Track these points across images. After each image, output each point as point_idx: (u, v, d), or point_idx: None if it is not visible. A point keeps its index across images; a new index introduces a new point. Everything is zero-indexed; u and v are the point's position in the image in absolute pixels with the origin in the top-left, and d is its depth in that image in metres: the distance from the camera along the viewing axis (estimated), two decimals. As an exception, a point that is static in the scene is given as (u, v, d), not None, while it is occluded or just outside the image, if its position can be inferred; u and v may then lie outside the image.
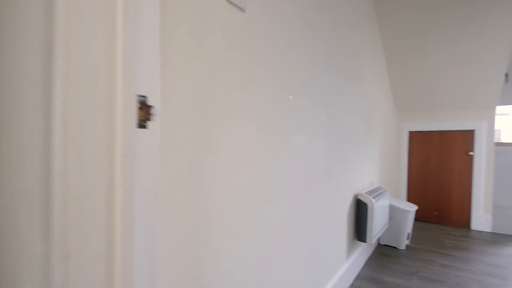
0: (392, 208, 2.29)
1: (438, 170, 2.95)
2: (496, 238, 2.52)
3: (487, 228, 2.72)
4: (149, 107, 0.44)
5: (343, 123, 1.60)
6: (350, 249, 1.78)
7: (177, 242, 0.61)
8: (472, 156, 2.78)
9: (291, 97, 1.05)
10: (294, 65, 1.07)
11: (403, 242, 2.27)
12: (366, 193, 1.84)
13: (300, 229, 1.16)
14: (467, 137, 2.80)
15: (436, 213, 2.99)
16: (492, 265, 1.96)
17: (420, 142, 3.06)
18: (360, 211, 1.80)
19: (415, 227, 2.81)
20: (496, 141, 2.83)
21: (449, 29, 2.28)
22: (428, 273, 1.84)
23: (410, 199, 3.13)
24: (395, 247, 2.30)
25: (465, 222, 2.84)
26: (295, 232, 1.12)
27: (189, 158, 0.63)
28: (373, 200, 1.76)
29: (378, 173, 2.48)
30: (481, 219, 2.74)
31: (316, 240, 1.29)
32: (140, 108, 0.43)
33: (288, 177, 1.05)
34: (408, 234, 2.33)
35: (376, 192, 1.97)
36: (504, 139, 4.45)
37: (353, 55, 1.75)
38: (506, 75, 2.49)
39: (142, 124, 0.43)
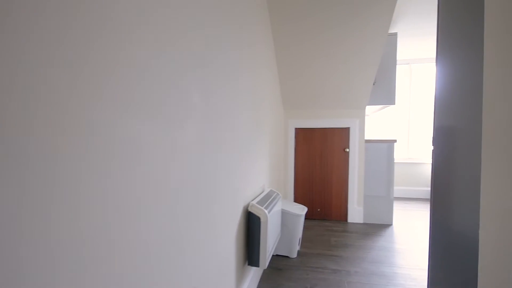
0: (284, 214, 2.03)
1: (321, 166, 2.98)
2: (368, 229, 2.69)
3: (360, 220, 2.91)
4: None
5: (228, 113, 1.14)
6: (240, 278, 1.34)
7: None
8: (348, 152, 2.92)
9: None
10: None
11: (295, 250, 2.04)
12: (258, 202, 1.46)
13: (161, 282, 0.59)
14: (344, 134, 2.93)
15: (319, 209, 3.02)
16: (374, 262, 1.96)
17: (305, 139, 3.02)
18: (251, 227, 1.39)
19: (303, 227, 2.71)
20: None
21: (328, 36, 2.23)
22: (323, 285, 1.62)
23: (297, 198, 3.06)
24: (287, 257, 2.05)
25: (343, 216, 2.96)
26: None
27: None
28: (266, 211, 1.38)
29: (269, 175, 2.19)
30: (355, 211, 2.91)
31: (185, 303, 0.76)
32: None
33: (123, 193, 0.47)
34: (299, 239, 2.13)
35: (269, 199, 1.63)
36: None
37: (242, 44, 1.32)
38: (374, 83, 2.74)
39: None
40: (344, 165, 2.93)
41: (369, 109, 3.45)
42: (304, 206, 2.20)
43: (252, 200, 1.49)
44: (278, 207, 1.72)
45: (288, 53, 2.43)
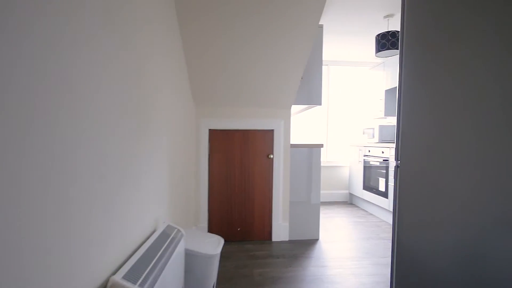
0: (189, 256, 1.40)
1: (241, 177, 2.45)
2: (295, 249, 2.31)
3: (285, 237, 2.51)
4: None
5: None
6: None
7: None
8: (272, 159, 2.47)
9: None
10: None
11: (207, 305, 1.43)
12: (130, 272, 0.78)
13: None
14: (268, 137, 2.47)
15: (239, 228, 2.48)
16: (309, 307, 1.52)
17: (222, 143, 2.44)
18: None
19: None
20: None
21: (249, 24, 1.71)
22: None
23: (212, 218, 2.45)
24: (195, 318, 1.42)
25: (266, 234, 2.51)
26: None
27: None
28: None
29: (169, 198, 1.52)
30: (280, 228, 2.49)
31: None
32: None
33: None
34: (214, 284, 1.54)
35: (157, 254, 0.97)
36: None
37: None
38: (302, 78, 2.37)
39: None
40: (268, 174, 2.48)
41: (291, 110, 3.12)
42: (219, 238, 1.61)
43: (120, 268, 0.81)
44: (175, 261, 1.08)
45: (199, 40, 1.79)
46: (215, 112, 2.42)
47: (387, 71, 3.64)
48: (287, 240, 2.52)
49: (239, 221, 2.48)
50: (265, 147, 2.47)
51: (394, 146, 2.74)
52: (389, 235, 2.71)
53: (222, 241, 1.58)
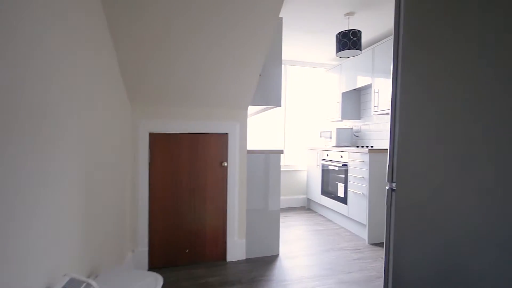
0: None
1: (190, 188, 2.08)
2: (254, 270, 2.02)
3: (242, 255, 2.21)
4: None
5: None
6: None
7: None
8: (226, 167, 2.15)
9: None
10: None
11: None
12: None
13: None
14: (221, 142, 2.14)
15: (188, 249, 2.11)
16: None
17: (166, 149, 2.04)
18: None
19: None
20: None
21: (200, 9, 1.37)
22: None
23: (154, 240, 2.03)
24: None
25: (220, 254, 2.17)
26: None
27: None
28: None
29: (80, 230, 1.10)
30: (236, 246, 2.18)
31: None
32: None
33: None
34: None
35: None
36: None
37: None
38: (260, 75, 2.09)
39: None
40: (222, 184, 2.15)
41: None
42: (156, 278, 1.23)
43: None
44: None
45: (132, 26, 1.39)
46: (158, 113, 2.01)
47: (344, 74, 3.58)
48: (244, 259, 2.22)
49: (188, 240, 2.10)
50: (218, 153, 2.14)
51: (366, 152, 2.65)
52: (350, 244, 2.59)
53: (160, 282, 1.21)
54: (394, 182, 0.76)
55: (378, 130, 3.35)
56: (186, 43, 1.61)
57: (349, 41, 2.35)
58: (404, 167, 0.71)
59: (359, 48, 2.37)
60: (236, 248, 2.19)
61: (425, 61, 0.71)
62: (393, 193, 0.75)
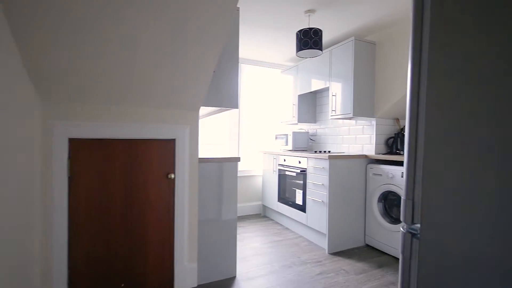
0: None
1: (126, 208, 1.68)
2: (207, 302, 1.71)
3: (193, 282, 1.87)
4: None
5: None
6: None
7: None
8: (173, 179, 1.80)
9: None
10: None
11: None
12: None
13: None
14: (167, 150, 1.78)
15: (123, 284, 1.69)
16: None
17: (94, 160, 1.60)
18: None
19: None
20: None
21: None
22: None
23: (76, 275, 1.57)
24: None
25: (166, 282, 1.81)
26: None
27: None
28: None
29: None
30: (186, 271, 1.84)
31: None
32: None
33: None
34: None
35: None
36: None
37: None
38: (214, 71, 1.77)
39: None
40: (168, 201, 1.79)
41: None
42: None
43: None
44: None
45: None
46: (82, 113, 1.56)
47: (300, 76, 3.47)
48: (196, 286, 1.89)
49: (124, 272, 1.69)
50: (164, 163, 1.77)
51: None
52: (310, 255, 2.44)
53: None
54: (417, 223, 0.54)
55: (335, 134, 3.31)
56: (121, 23, 1.23)
57: (310, 40, 2.20)
58: (436, 200, 0.50)
59: (320, 48, 2.24)
60: (186, 274, 1.84)
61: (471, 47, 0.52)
62: (416, 240, 0.53)
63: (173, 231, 1.81)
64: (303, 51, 2.27)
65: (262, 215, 3.77)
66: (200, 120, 3.53)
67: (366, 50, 2.72)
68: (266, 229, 3.15)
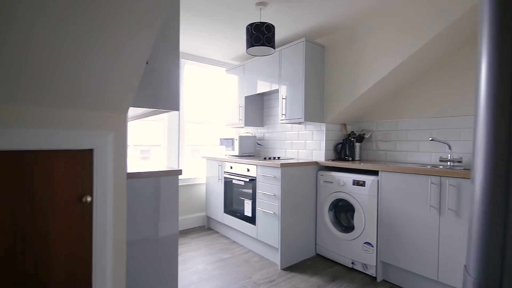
0: None
1: (16, 247, 1.18)
2: None
3: (119, 334, 1.45)
4: None
5: None
6: None
7: None
8: (90, 203, 1.35)
9: None
10: None
11: None
12: None
13: None
14: (81, 165, 1.33)
15: None
16: None
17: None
18: None
19: None
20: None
21: None
22: None
23: None
24: None
25: None
26: None
27: None
28: None
29: None
30: (109, 323, 1.41)
31: None
32: None
33: None
34: None
35: None
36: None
37: None
38: (147, 62, 1.37)
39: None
40: (82, 231, 1.34)
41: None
42: None
43: None
44: None
45: None
46: None
47: (247, 76, 3.24)
48: (123, 338, 1.46)
49: None
50: (75, 182, 1.31)
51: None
52: (262, 273, 2.21)
53: None
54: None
55: (283, 139, 3.17)
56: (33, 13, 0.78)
57: (262, 36, 1.97)
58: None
59: (273, 46, 2.03)
60: (109, 327, 1.41)
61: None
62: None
63: (90, 269, 1.36)
64: (254, 47, 2.03)
65: (207, 227, 3.42)
66: (131, 122, 3.00)
67: (316, 53, 2.63)
68: (211, 245, 2.82)
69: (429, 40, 1.97)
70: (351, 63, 2.49)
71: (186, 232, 3.21)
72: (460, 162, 2.12)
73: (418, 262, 1.88)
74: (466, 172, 1.68)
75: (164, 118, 3.34)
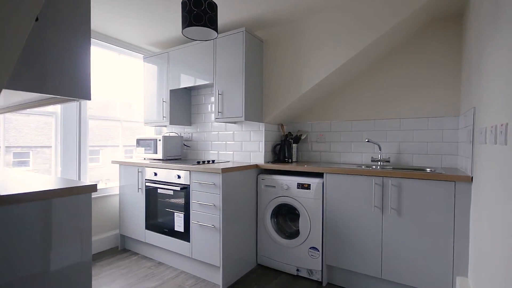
0: None
1: None
2: None
3: None
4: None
5: None
6: None
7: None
8: None
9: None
10: None
11: None
12: None
13: None
14: None
15: None
16: None
17: None
18: None
19: None
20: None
21: None
22: None
23: None
24: None
25: None
26: None
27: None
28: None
29: None
30: None
31: None
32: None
33: None
34: None
35: None
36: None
37: None
38: (37, 19, 0.84)
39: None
40: None
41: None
42: None
43: None
44: None
45: None
46: None
47: (172, 66, 2.76)
48: None
49: None
50: None
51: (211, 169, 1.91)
52: (201, 301, 1.86)
53: None
54: None
55: (216, 139, 2.84)
56: None
57: (204, 14, 1.61)
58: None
59: (216, 30, 1.70)
60: None
61: None
62: None
63: None
64: (193, 27, 1.65)
65: (121, 248, 2.77)
66: (7, 114, 2.15)
67: (255, 46, 2.42)
68: (130, 272, 2.26)
69: (367, 45, 2.03)
70: (291, 61, 2.39)
71: (95, 259, 2.51)
72: (388, 161, 2.28)
73: (363, 262, 1.90)
74: (406, 172, 1.76)
75: (57, 111, 2.52)
